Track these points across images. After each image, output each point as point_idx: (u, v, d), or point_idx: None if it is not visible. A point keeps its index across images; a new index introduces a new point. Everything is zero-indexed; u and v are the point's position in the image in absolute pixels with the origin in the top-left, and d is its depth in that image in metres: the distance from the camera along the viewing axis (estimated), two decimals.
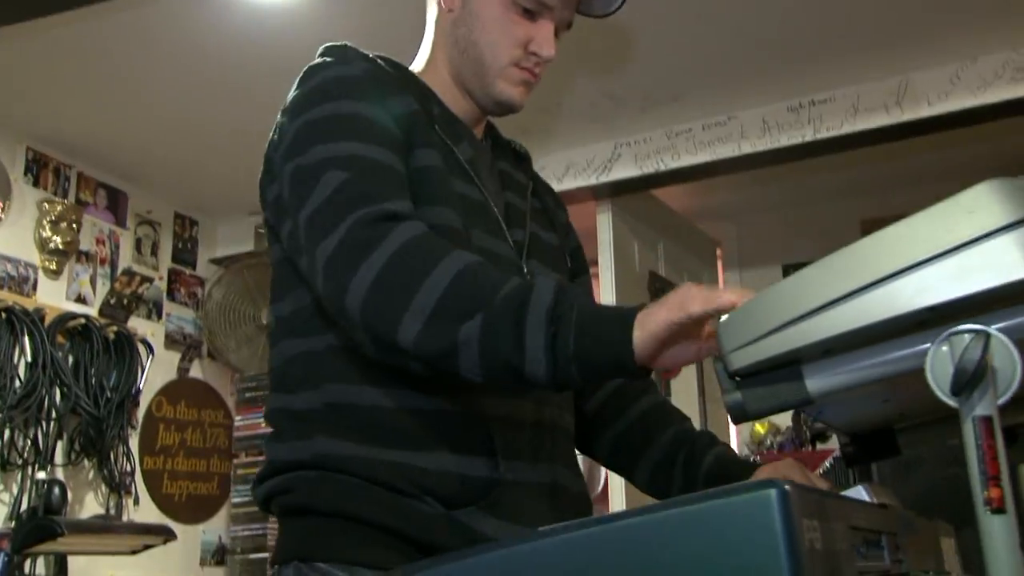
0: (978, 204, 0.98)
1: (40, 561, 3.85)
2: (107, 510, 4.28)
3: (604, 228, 4.22)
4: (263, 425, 4.73)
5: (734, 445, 4.88)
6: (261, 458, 4.73)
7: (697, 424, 4.28)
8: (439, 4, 1.69)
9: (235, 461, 4.91)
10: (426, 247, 1.35)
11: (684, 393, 4.76)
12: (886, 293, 1.00)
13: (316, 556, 1.46)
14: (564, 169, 4.21)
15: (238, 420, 4.91)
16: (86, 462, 4.21)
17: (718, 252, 5.18)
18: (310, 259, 1.42)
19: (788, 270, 5.00)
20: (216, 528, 4.89)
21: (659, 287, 4.55)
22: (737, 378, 1.11)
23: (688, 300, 1.23)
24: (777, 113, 3.82)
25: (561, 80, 3.60)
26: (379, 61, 1.64)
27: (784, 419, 4.73)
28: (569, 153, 4.20)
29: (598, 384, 1.72)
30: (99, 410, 4.11)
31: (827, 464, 4.13)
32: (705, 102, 3.85)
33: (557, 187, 4.16)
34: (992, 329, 0.96)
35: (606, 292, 4.14)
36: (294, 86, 1.60)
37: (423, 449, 1.46)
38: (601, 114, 3.94)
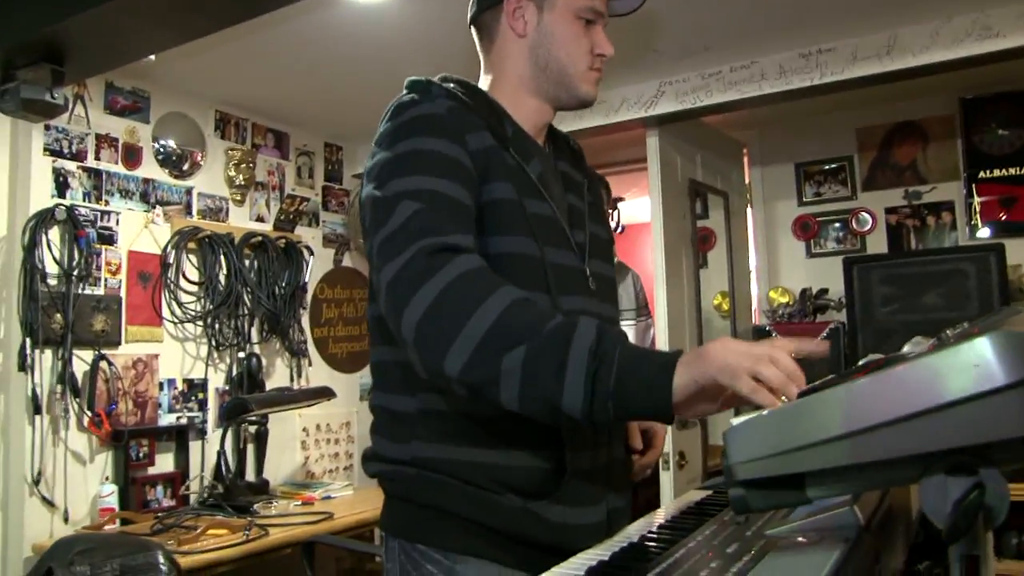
0: (983, 358, 0.77)
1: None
2: (291, 370, 4.30)
3: (652, 149, 3.93)
4: None
5: (753, 312, 4.66)
6: None
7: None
8: (509, 32, 1.47)
9: None
10: (478, 281, 1.15)
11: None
12: (889, 435, 0.79)
13: (416, 539, 1.35)
14: (620, 103, 3.91)
15: None
16: (274, 339, 4.20)
17: (745, 152, 4.83)
18: (378, 278, 1.23)
19: (799, 168, 4.68)
20: (369, 373, 4.84)
21: (697, 190, 4.28)
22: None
23: (738, 376, 1.01)
24: (791, 60, 3.45)
25: (612, 40, 3.29)
26: (460, 92, 1.41)
27: (794, 290, 4.49)
28: (623, 90, 3.90)
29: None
30: (275, 303, 4.08)
31: (825, 333, 3.91)
32: (731, 50, 3.49)
33: (614, 118, 3.93)
34: (989, 480, 0.76)
35: (655, 201, 3.88)
36: (385, 118, 1.40)
37: (502, 448, 1.30)
38: (646, 63, 3.62)
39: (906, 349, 1.61)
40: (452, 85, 1.44)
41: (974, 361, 0.76)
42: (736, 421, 0.92)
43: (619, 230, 6.55)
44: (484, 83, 1.52)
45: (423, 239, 1.18)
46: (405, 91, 1.45)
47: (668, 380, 1.04)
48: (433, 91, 1.41)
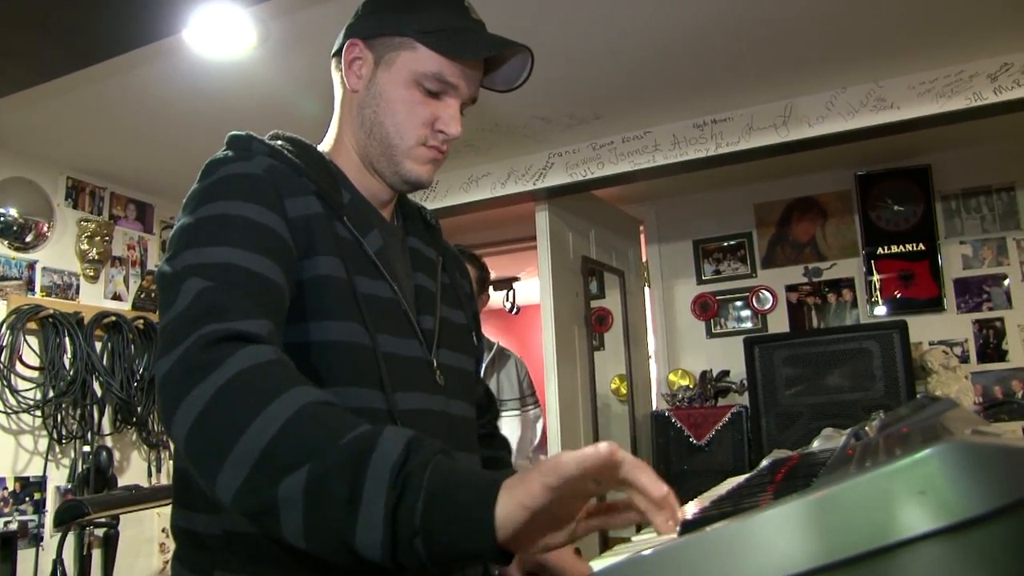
0: (931, 483, 0.55)
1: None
2: (148, 464, 3.90)
3: (542, 224, 3.76)
4: None
5: (653, 396, 4.46)
6: None
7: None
8: (344, 85, 1.24)
9: None
10: (262, 381, 0.88)
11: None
12: None
13: None
14: (507, 175, 3.73)
15: None
16: (129, 430, 3.80)
17: (641, 230, 4.70)
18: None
19: (697, 245, 4.56)
20: None
21: (591, 268, 4.11)
22: None
23: (560, 463, 0.75)
24: (685, 130, 3.33)
25: (495, 106, 3.11)
26: (287, 151, 1.16)
27: (695, 372, 4.32)
28: (510, 162, 3.73)
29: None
30: (126, 391, 3.70)
31: (728, 417, 3.73)
32: (623, 119, 3.36)
33: (501, 191, 3.73)
34: None
35: (544, 279, 3.68)
36: (196, 178, 1.14)
37: None
38: (534, 132, 3.45)
39: (816, 445, 1.36)
40: (280, 143, 1.19)
41: (918, 487, 0.54)
42: (598, 566, 0.67)
43: (515, 311, 6.38)
44: (326, 141, 1.29)
45: (205, 325, 0.92)
46: (223, 148, 1.20)
47: (488, 509, 0.76)
48: (253, 148, 1.17)
